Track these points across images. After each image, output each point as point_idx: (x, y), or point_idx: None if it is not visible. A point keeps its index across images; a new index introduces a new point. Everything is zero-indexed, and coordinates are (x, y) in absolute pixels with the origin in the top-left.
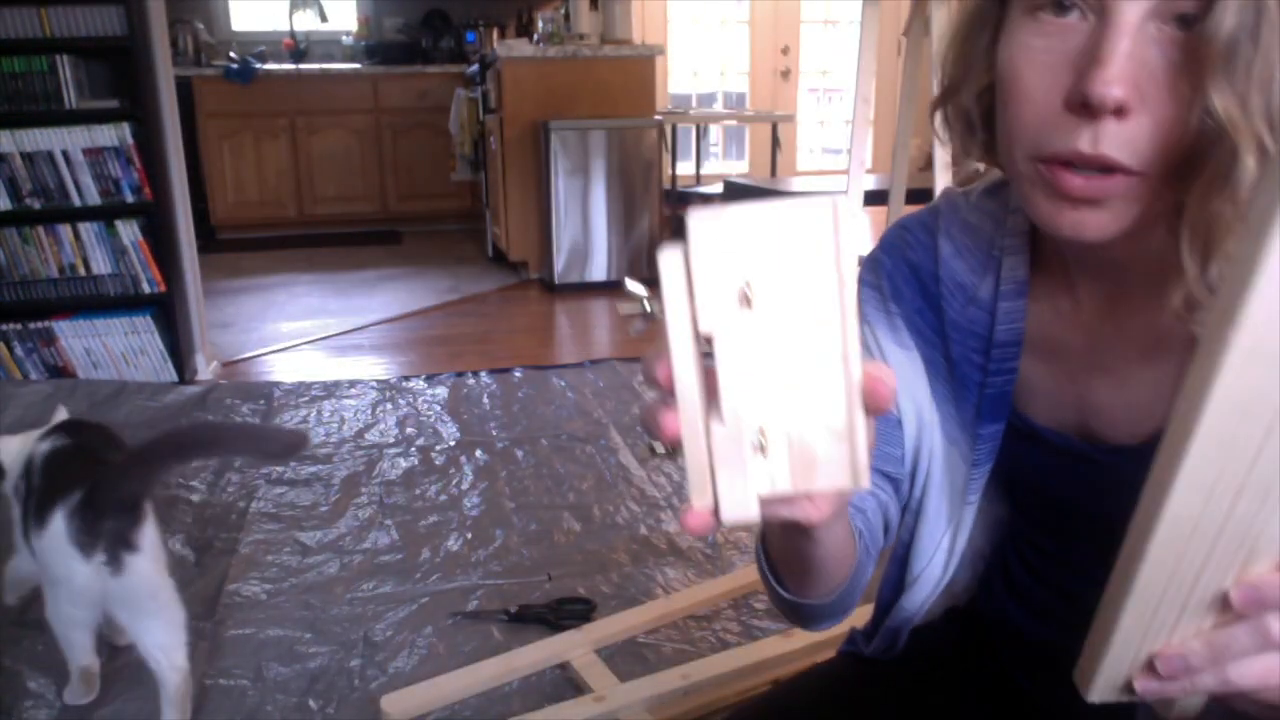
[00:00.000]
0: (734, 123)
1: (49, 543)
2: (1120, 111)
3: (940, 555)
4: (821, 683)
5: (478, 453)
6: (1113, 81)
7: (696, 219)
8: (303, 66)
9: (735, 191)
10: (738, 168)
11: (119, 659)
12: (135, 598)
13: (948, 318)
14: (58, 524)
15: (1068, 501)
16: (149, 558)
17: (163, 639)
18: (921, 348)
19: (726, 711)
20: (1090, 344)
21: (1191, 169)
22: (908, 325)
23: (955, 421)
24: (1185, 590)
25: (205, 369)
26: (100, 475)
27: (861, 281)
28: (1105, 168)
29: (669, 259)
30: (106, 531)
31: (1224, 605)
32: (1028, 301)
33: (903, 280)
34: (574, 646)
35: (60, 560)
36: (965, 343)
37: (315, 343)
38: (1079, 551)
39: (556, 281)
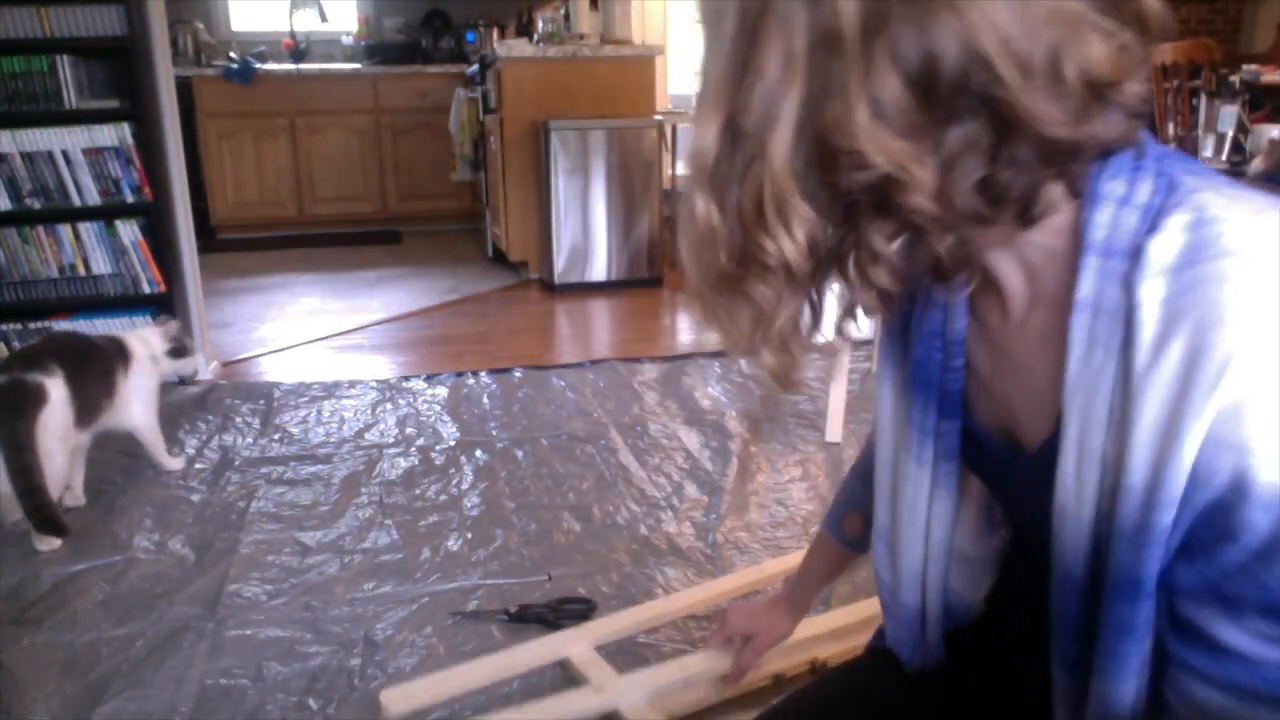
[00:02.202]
0: None
1: None
2: None
3: (918, 546)
4: (854, 684)
5: (478, 453)
6: None
7: None
8: (303, 66)
9: None
10: None
11: (118, 656)
12: None
13: (912, 321)
14: None
15: (1002, 501)
16: None
17: None
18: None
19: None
20: (1010, 346)
21: None
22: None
23: (918, 427)
24: None
25: (205, 369)
26: None
27: None
28: None
29: None
30: None
31: None
32: (970, 300)
33: None
34: (574, 643)
35: None
36: (929, 343)
37: (315, 343)
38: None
39: (556, 281)
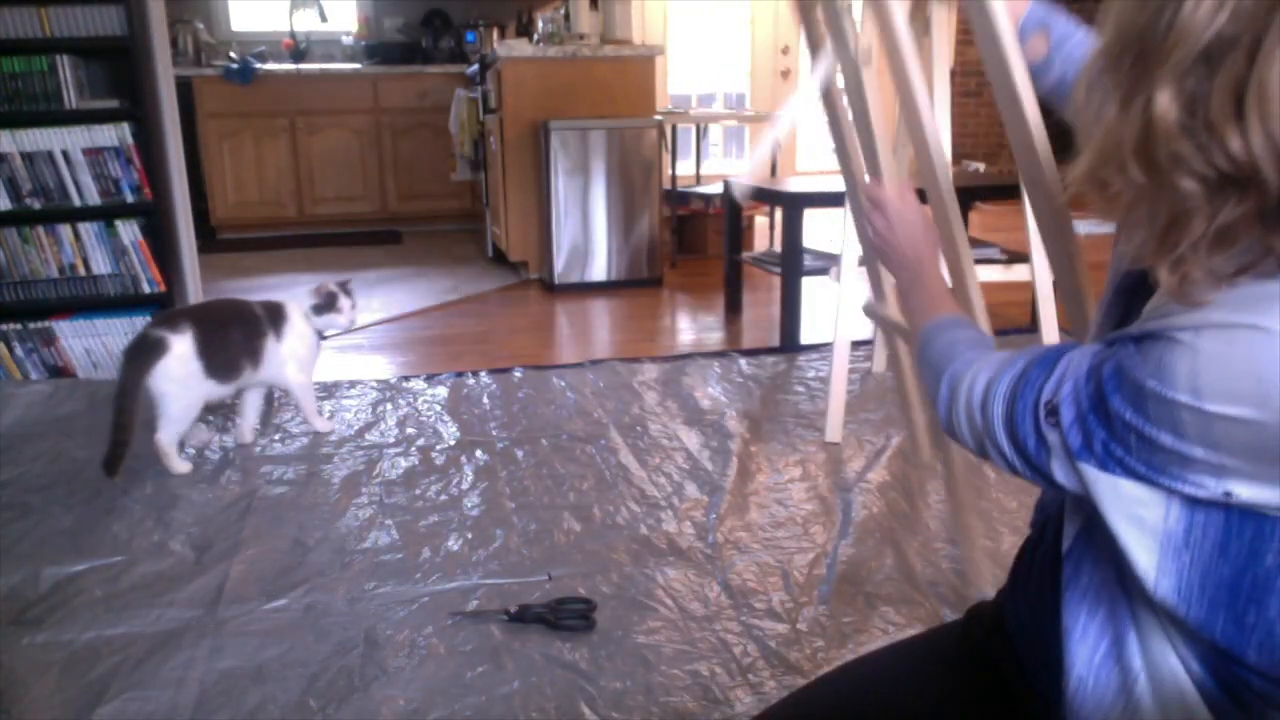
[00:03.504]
0: (734, 123)
1: None
2: None
3: None
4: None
5: (478, 453)
6: None
7: None
8: (303, 66)
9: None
10: (738, 167)
11: (117, 656)
12: None
13: None
14: None
15: None
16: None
17: None
18: None
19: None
20: None
21: None
22: None
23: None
24: None
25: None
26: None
27: None
28: None
29: None
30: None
31: None
32: None
33: None
34: None
35: None
36: None
37: None
38: None
39: (556, 281)
